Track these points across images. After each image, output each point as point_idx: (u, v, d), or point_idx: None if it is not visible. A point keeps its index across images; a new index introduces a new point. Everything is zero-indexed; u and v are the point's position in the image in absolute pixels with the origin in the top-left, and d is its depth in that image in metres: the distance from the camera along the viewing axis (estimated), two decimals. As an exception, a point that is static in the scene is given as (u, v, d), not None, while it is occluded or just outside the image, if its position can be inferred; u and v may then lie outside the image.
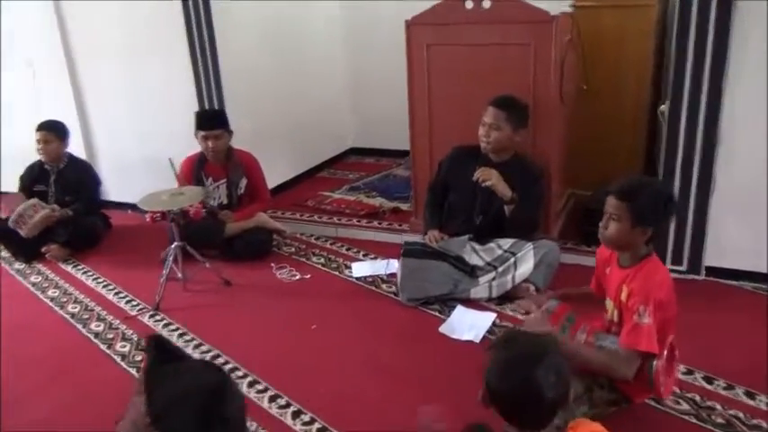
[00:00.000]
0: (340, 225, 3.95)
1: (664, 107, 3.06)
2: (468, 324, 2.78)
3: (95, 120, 4.50)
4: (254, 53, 4.31)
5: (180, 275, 3.26)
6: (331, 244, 3.80)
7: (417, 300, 2.97)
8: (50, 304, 3.25)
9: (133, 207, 3.87)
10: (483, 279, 2.98)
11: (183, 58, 3.96)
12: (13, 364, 2.68)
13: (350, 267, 3.43)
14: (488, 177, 2.98)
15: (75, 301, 3.26)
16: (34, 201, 3.77)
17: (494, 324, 2.78)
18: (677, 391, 2.23)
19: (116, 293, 3.31)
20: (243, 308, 3.11)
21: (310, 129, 4.96)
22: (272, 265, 3.51)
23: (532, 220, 3.11)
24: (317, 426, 2.20)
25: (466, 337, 2.69)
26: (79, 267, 3.68)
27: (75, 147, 4.40)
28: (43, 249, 3.76)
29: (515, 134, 3.03)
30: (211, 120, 3.63)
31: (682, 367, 2.34)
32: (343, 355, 2.64)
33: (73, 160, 4.03)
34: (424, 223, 3.32)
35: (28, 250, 3.79)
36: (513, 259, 2.98)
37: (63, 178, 3.94)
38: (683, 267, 3.07)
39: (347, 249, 3.70)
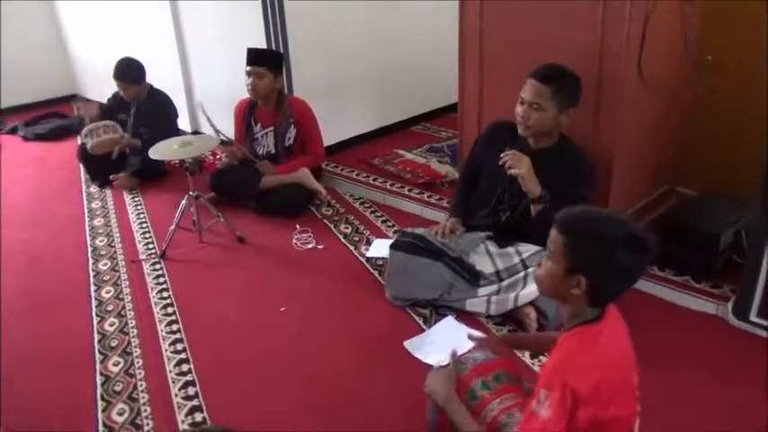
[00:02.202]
0: (388, 192, 3.55)
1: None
2: (442, 344, 2.28)
3: (193, 54, 4.53)
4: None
5: (196, 226, 3.17)
6: (372, 212, 3.43)
7: (403, 300, 2.54)
8: (87, 234, 3.38)
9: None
10: (483, 290, 2.44)
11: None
12: (22, 299, 2.80)
13: (371, 244, 3.06)
14: (517, 166, 2.37)
15: (107, 234, 3.35)
16: (110, 122, 3.86)
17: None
18: None
19: (144, 233, 3.34)
20: (237, 271, 2.94)
21: (407, 76, 4.49)
22: (297, 227, 3.27)
23: (564, 228, 2.44)
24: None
25: (428, 359, 2.23)
26: (135, 199, 3.78)
27: (174, 79, 4.52)
28: (111, 177, 3.93)
29: (562, 115, 2.36)
30: (257, 56, 3.38)
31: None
32: (289, 354, 2.34)
33: (152, 92, 4.05)
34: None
35: (104, 175, 3.98)
36: (522, 273, 2.38)
37: (142, 110, 4.01)
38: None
39: (383, 221, 3.32)
